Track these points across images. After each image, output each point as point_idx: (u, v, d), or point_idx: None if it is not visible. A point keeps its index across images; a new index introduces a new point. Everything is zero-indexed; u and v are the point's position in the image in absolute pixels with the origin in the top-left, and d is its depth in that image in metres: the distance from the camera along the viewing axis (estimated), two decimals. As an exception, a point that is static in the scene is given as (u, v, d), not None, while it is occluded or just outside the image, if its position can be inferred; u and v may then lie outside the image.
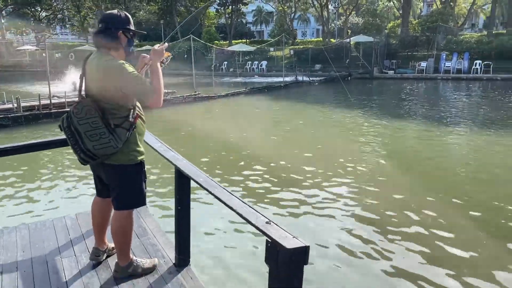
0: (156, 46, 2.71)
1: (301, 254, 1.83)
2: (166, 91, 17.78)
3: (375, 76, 29.69)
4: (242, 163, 8.30)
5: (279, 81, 25.56)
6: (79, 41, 56.09)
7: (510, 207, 5.74)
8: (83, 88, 2.65)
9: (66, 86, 19.26)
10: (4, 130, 11.90)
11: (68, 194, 6.62)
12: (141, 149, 2.73)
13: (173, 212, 3.21)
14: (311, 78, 27.30)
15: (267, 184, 6.93)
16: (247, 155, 8.97)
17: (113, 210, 2.84)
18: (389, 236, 4.92)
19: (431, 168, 8.00)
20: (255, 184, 6.96)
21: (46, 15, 56.81)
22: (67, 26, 62.02)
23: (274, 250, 1.89)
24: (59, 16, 58.70)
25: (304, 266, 1.87)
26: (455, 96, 20.10)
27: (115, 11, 2.65)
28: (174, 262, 3.09)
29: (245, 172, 7.62)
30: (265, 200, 6.21)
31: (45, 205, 6.09)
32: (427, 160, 8.70)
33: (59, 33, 64.86)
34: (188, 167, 2.85)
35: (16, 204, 6.19)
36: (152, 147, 3.37)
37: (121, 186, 2.71)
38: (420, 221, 5.32)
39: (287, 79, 26.30)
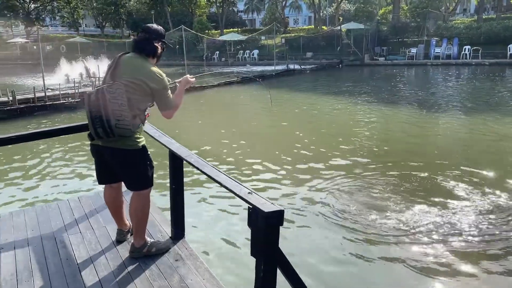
0: (189, 77, 3.26)
1: (277, 217, 2.16)
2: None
3: (366, 63, 30.00)
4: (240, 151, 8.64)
5: (270, 70, 25.79)
6: (69, 33, 55.62)
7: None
8: (107, 76, 2.93)
9: (60, 78, 19.43)
10: (0, 123, 12.10)
11: (70, 179, 6.96)
12: (142, 137, 3.06)
13: (167, 191, 3.54)
14: (302, 66, 27.56)
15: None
16: (241, 142, 9.31)
17: (126, 195, 3.09)
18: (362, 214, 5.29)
19: (421, 151, 8.37)
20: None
21: (35, 7, 56.26)
22: (57, 17, 61.53)
23: (254, 215, 2.24)
24: (48, 7, 58.11)
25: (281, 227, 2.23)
26: (445, 82, 20.47)
27: (155, 25, 3.10)
28: (170, 235, 3.42)
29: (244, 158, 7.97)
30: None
31: (49, 190, 6.42)
32: (415, 142, 9.08)
33: (48, 25, 64.20)
34: (180, 150, 3.17)
35: (21, 189, 6.51)
36: (148, 133, 3.68)
37: (132, 169, 2.99)
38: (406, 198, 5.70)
39: (279, 67, 26.54)
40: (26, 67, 34.62)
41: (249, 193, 2.37)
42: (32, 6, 55.68)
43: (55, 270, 2.98)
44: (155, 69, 2.91)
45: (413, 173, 6.72)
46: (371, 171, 6.93)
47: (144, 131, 3.72)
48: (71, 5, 54.33)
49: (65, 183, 6.80)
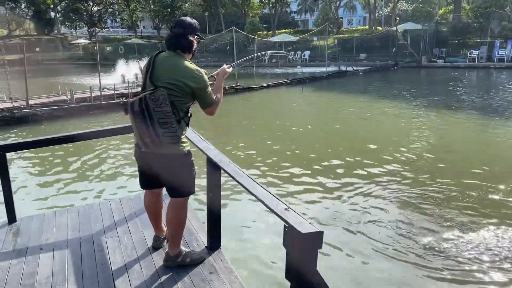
0: (226, 67, 3.07)
1: (315, 239, 1.95)
2: (209, 82, 18.15)
3: (423, 65, 28.72)
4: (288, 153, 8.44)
5: (321, 72, 25.33)
6: (128, 35, 57.95)
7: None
8: (147, 79, 2.77)
9: (116, 78, 20.16)
10: (59, 121, 12.68)
11: (114, 180, 7.05)
12: (187, 141, 2.93)
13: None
14: (354, 68, 26.81)
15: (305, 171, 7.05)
16: (289, 146, 9.10)
17: (165, 199, 3.00)
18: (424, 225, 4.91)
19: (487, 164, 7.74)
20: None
21: (97, 9, 59.21)
22: (117, 20, 64.31)
23: (290, 234, 2.04)
24: (110, 10, 60.91)
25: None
26: (510, 86, 19.08)
27: (189, 18, 2.90)
28: (206, 245, 3.30)
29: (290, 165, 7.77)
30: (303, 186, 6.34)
31: (94, 190, 6.54)
32: (479, 154, 8.43)
33: (109, 27, 67.17)
34: (218, 157, 3.03)
35: (67, 188, 6.71)
36: (187, 137, 3.58)
37: (176, 175, 2.87)
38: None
39: (330, 69, 26.01)
40: (87, 67, 36.35)
41: (286, 209, 2.18)
42: (95, 8, 58.68)
43: (90, 275, 2.94)
44: (192, 66, 2.75)
45: (475, 186, 6.18)
46: (424, 183, 6.46)
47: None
48: (130, 7, 56.58)
49: (110, 183, 6.90)
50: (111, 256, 3.17)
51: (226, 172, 2.78)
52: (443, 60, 29.07)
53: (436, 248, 4.46)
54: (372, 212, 5.46)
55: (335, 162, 7.68)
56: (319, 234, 1.96)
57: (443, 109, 13.38)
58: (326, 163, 7.63)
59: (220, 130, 11.05)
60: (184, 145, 2.84)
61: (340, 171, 7.18)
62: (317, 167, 7.44)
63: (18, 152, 7.76)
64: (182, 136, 2.81)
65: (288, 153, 8.50)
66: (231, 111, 13.81)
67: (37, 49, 53.36)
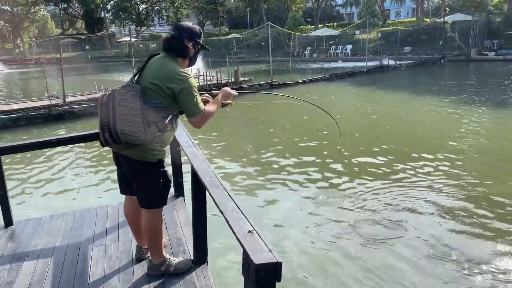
0: (229, 89, 2.94)
1: (271, 271, 1.68)
2: (243, 79, 17.98)
3: (472, 59, 27.06)
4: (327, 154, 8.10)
5: (361, 66, 24.46)
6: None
7: None
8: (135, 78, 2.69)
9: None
10: (95, 118, 12.94)
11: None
12: (161, 149, 2.68)
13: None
14: (397, 62, 25.65)
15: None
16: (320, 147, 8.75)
17: None
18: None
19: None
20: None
21: (144, 7, 60.80)
22: (163, 17, 65.74)
23: (246, 263, 1.77)
24: (156, 8, 62.33)
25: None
26: None
27: (190, 24, 2.79)
28: (192, 259, 3.08)
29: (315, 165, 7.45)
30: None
31: (99, 193, 6.39)
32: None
33: (156, 24, 68.66)
34: (200, 164, 2.80)
35: (75, 191, 6.60)
36: (179, 141, 3.40)
37: (143, 183, 2.70)
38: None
39: (371, 63, 25.07)
40: (131, 64, 37.29)
41: (249, 231, 1.92)
42: (143, 6, 60.33)
43: (66, 287, 2.81)
44: (178, 68, 2.57)
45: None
46: (471, 192, 5.82)
47: (177, 139, 3.45)
48: (175, 5, 57.61)
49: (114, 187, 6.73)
50: (92, 267, 3.02)
51: (202, 181, 2.55)
52: (494, 52, 27.25)
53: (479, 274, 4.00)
54: (408, 220, 5.03)
55: (370, 163, 7.25)
56: (276, 266, 1.68)
57: (494, 107, 12.36)
58: (358, 162, 7.23)
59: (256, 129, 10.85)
60: (154, 152, 2.62)
61: (371, 176, 6.69)
62: (348, 165, 7.07)
63: (27, 153, 7.83)
64: (153, 142, 2.56)
65: (319, 151, 8.13)
66: (254, 108, 13.55)
67: (87, 47, 55.75)
